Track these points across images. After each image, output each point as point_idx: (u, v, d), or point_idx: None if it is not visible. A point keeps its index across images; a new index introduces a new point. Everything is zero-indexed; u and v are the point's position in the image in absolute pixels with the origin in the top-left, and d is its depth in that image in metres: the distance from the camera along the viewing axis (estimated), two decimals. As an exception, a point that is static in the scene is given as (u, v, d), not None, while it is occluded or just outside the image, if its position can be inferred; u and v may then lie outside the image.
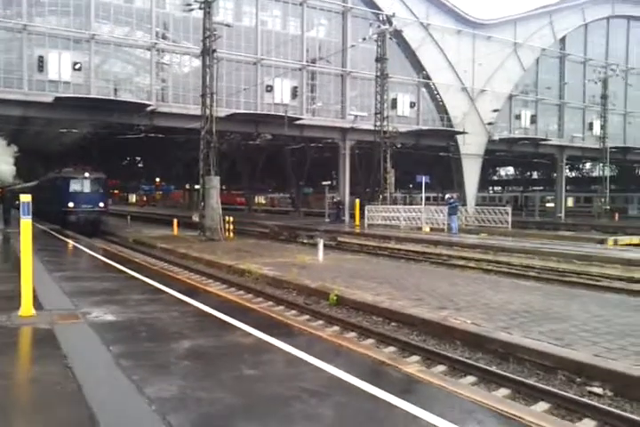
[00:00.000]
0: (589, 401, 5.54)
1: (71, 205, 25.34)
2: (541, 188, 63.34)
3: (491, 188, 74.82)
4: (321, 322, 9.17)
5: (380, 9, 33.22)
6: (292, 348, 5.42)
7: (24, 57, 25.56)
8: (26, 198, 6.64)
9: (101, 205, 26.39)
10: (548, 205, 50.10)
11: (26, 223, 6.64)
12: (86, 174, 26.50)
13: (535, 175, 70.44)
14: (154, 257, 18.05)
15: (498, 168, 71.40)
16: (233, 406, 3.94)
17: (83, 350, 5.37)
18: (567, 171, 61.23)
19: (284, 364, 5.07)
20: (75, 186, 25.99)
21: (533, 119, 41.42)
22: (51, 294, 8.16)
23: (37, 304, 7.01)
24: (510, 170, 73.20)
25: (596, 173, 51.18)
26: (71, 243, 17.65)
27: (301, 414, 3.84)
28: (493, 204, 49.51)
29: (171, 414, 3.66)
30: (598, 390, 5.83)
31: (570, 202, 50.45)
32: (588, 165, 57.34)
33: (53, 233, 21.65)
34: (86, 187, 26.10)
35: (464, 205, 33.91)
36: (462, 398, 4.30)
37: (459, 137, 36.77)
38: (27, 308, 6.60)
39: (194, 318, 7.02)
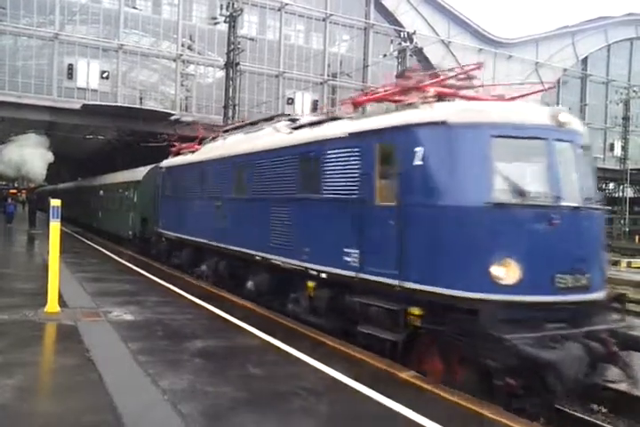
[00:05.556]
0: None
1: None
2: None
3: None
4: None
5: (401, 26, 33.73)
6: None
7: (54, 65, 26.47)
8: (55, 203, 7.15)
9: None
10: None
11: (55, 226, 7.13)
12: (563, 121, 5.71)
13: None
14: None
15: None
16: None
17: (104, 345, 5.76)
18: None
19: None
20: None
21: (552, 139, 41.35)
22: (74, 293, 8.57)
23: (62, 302, 7.43)
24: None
25: (617, 195, 50.65)
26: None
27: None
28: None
29: (181, 403, 4.05)
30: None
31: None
32: (611, 186, 56.77)
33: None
34: (572, 184, 5.72)
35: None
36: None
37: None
38: (52, 305, 7.04)
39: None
